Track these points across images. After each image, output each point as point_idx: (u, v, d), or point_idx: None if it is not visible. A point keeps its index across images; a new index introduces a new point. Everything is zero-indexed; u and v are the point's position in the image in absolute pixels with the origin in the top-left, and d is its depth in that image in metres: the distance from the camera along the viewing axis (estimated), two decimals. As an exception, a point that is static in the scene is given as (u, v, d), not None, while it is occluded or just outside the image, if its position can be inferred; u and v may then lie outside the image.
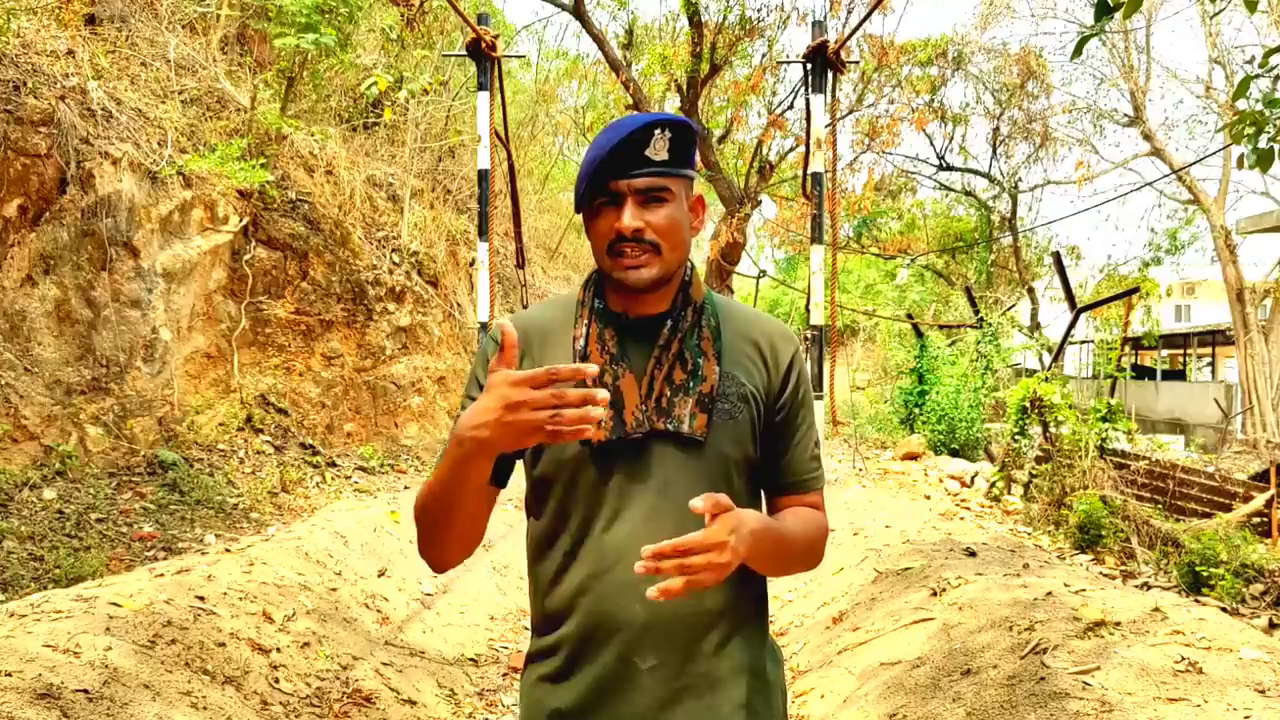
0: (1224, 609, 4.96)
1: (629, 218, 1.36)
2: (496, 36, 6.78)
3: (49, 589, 4.24)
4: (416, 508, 1.39)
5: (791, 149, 16.76)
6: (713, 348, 1.45)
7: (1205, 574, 5.84)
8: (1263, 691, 2.73)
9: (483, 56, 6.66)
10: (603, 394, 1.13)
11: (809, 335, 6.85)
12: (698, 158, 1.53)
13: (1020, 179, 22.72)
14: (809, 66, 6.79)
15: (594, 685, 1.40)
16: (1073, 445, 8.31)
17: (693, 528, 1.39)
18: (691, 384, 1.42)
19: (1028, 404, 9.20)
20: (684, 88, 14.70)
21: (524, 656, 1.55)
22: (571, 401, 1.13)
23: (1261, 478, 8.44)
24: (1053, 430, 8.95)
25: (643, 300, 1.45)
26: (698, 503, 1.20)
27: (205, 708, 3.03)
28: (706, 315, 1.47)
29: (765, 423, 1.48)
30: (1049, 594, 3.82)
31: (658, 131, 1.36)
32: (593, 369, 1.12)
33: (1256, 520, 7.70)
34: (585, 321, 1.46)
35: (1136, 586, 5.48)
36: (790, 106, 16.65)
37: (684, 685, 1.39)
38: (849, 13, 14.54)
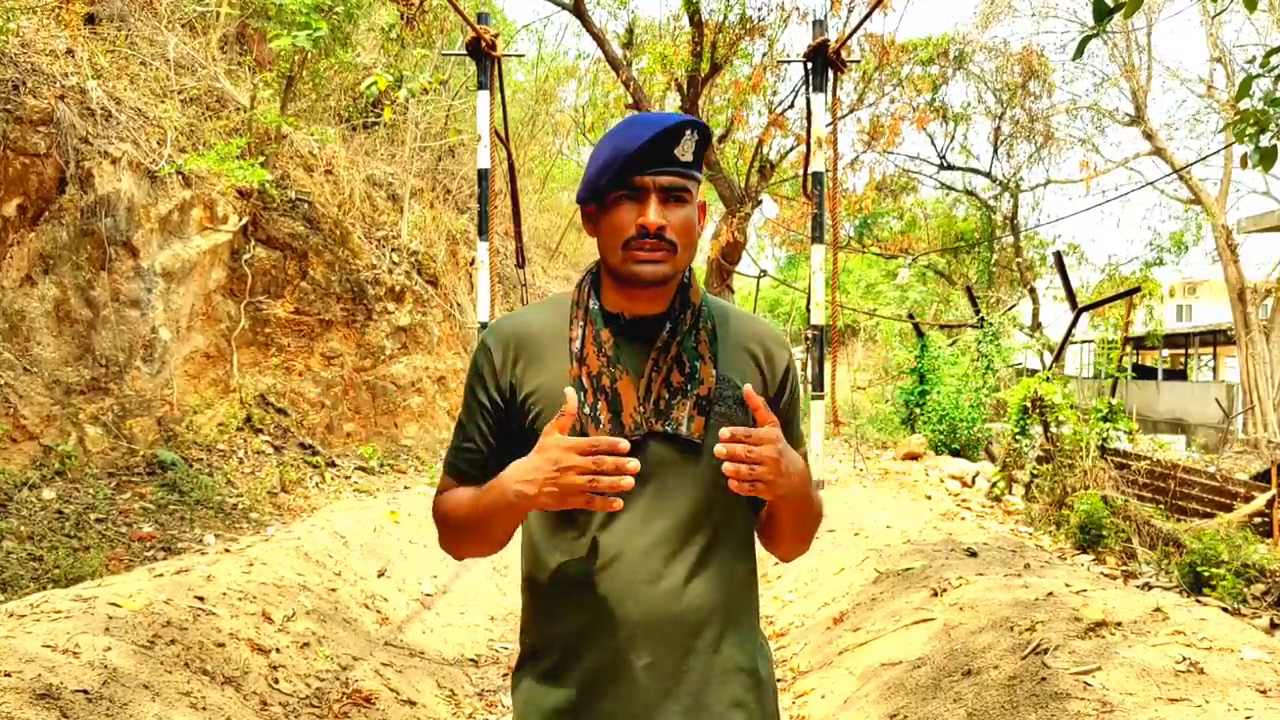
0: (1225, 609, 4.95)
1: (654, 214, 1.36)
2: (496, 35, 6.76)
3: (48, 589, 4.23)
4: (440, 519, 1.50)
5: (792, 148, 16.75)
6: (710, 350, 1.45)
7: (1206, 574, 5.84)
8: (1264, 692, 2.72)
9: (482, 55, 6.65)
10: (634, 464, 1.24)
11: (810, 335, 6.83)
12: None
13: (1022, 178, 22.72)
14: (809, 65, 6.77)
15: (589, 683, 1.40)
16: (1074, 445, 8.31)
17: (691, 529, 1.40)
18: (689, 386, 1.42)
19: (1029, 404, 9.20)
20: (684, 87, 14.69)
21: (517, 656, 1.55)
22: (607, 469, 1.23)
23: (1263, 478, 8.43)
24: (1054, 430, 8.95)
25: (640, 301, 1.44)
26: (754, 397, 1.30)
27: (205, 708, 3.02)
28: (704, 318, 1.47)
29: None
30: (1050, 594, 3.81)
31: (688, 132, 1.36)
32: (624, 445, 1.24)
33: (1258, 520, 7.69)
34: (581, 323, 1.45)
35: (1138, 587, 5.47)
36: (791, 106, 16.64)
37: (679, 683, 1.40)
38: (850, 11, 14.53)
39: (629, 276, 1.40)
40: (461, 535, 1.47)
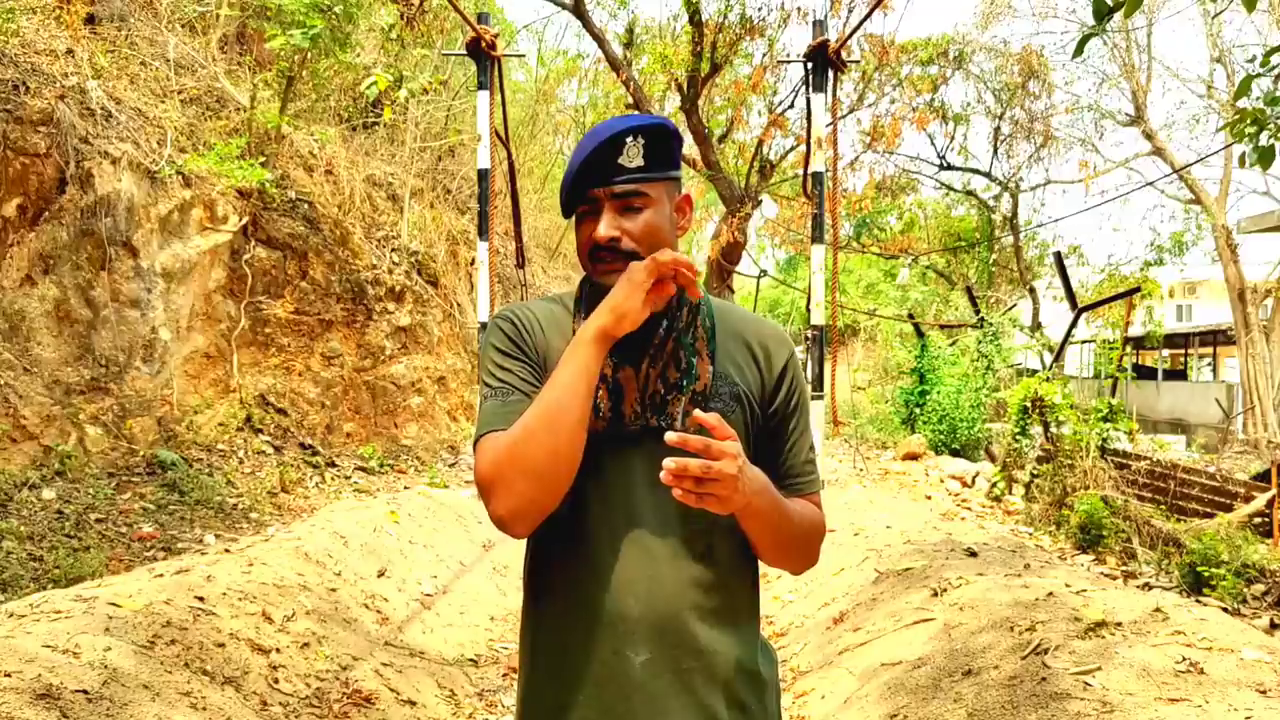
0: (1225, 609, 4.96)
1: (604, 227, 1.39)
2: (496, 35, 6.76)
3: (48, 589, 4.23)
4: (498, 460, 1.32)
5: (792, 148, 16.75)
6: (707, 347, 1.45)
7: (1206, 574, 5.84)
8: (1264, 692, 2.72)
9: (482, 56, 6.65)
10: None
11: (810, 335, 6.83)
12: (681, 157, 1.52)
13: (1021, 179, 22.73)
14: (809, 66, 6.77)
15: (589, 680, 1.41)
16: (1074, 445, 8.31)
17: (690, 526, 1.40)
18: (685, 382, 1.42)
19: (1029, 404, 9.20)
20: (684, 87, 14.69)
21: (519, 653, 1.55)
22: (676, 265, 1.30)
23: (1263, 478, 8.42)
24: (1054, 430, 8.95)
25: None
26: (708, 417, 1.23)
27: (205, 708, 3.02)
28: (702, 315, 1.47)
29: (759, 425, 1.48)
30: (1050, 594, 3.81)
31: (629, 139, 1.38)
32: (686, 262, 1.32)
33: (1258, 520, 7.68)
34: (584, 316, 1.46)
35: (1138, 587, 5.47)
36: (791, 106, 16.64)
37: (679, 680, 1.40)
38: (850, 12, 14.52)
39: (601, 288, 1.41)
40: (532, 447, 1.29)
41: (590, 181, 1.38)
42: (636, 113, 14.23)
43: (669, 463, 1.19)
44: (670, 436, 1.19)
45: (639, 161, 1.39)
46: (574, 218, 1.45)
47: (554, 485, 1.33)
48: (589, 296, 1.48)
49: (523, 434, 1.31)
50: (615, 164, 1.38)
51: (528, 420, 1.32)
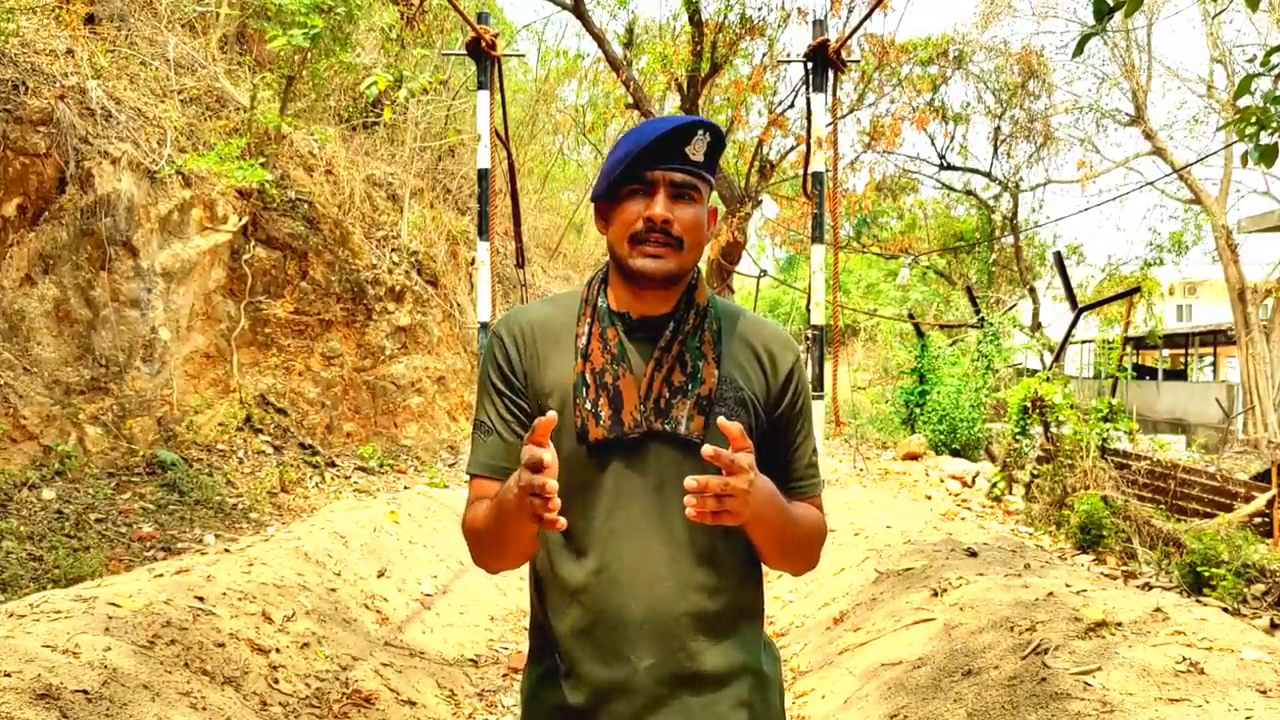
0: (1225, 609, 4.95)
1: (661, 207, 1.38)
2: (496, 35, 6.75)
3: (48, 589, 4.23)
4: (468, 532, 1.46)
5: (792, 148, 16.75)
6: (713, 351, 1.45)
7: (1207, 574, 5.83)
8: (1264, 692, 2.72)
9: (482, 55, 6.63)
10: (552, 484, 1.18)
11: (810, 335, 6.82)
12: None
13: (1021, 178, 22.73)
14: (809, 65, 6.76)
15: (592, 683, 1.41)
16: (1074, 445, 8.30)
17: (692, 529, 1.40)
18: (690, 386, 1.42)
19: (1029, 404, 9.20)
20: (684, 86, 14.70)
21: (524, 656, 1.55)
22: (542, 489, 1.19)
23: (1263, 478, 8.42)
24: (1054, 430, 8.95)
25: (647, 300, 1.44)
26: (732, 426, 1.23)
27: (204, 708, 3.02)
28: (709, 318, 1.47)
29: (763, 429, 1.48)
30: (1050, 594, 3.81)
31: (700, 132, 1.38)
32: (551, 416, 1.21)
33: (1258, 520, 7.68)
34: (588, 320, 1.46)
35: (1138, 587, 5.47)
36: (791, 106, 16.64)
37: (682, 683, 1.40)
38: (850, 11, 14.52)
39: (634, 271, 1.40)
40: (486, 545, 1.42)
41: (654, 162, 1.37)
42: (638, 113, 14.25)
43: (690, 482, 1.20)
44: (707, 450, 1.19)
45: (700, 157, 1.40)
46: (610, 200, 1.44)
47: (512, 564, 1.46)
48: (613, 285, 1.47)
49: (481, 532, 1.41)
50: (681, 152, 1.38)
51: (484, 527, 1.39)
